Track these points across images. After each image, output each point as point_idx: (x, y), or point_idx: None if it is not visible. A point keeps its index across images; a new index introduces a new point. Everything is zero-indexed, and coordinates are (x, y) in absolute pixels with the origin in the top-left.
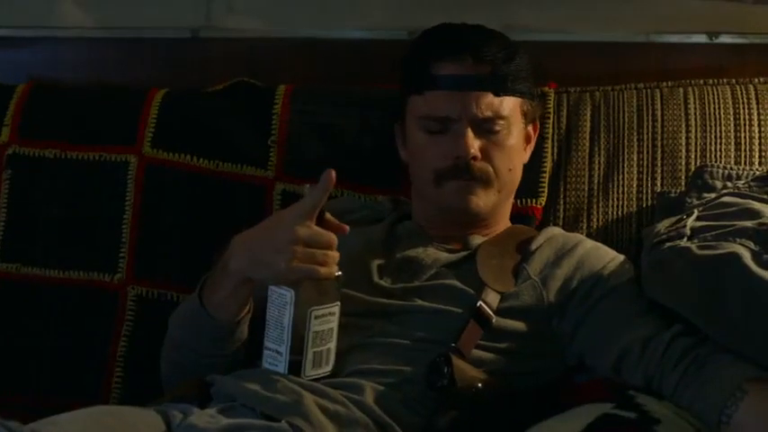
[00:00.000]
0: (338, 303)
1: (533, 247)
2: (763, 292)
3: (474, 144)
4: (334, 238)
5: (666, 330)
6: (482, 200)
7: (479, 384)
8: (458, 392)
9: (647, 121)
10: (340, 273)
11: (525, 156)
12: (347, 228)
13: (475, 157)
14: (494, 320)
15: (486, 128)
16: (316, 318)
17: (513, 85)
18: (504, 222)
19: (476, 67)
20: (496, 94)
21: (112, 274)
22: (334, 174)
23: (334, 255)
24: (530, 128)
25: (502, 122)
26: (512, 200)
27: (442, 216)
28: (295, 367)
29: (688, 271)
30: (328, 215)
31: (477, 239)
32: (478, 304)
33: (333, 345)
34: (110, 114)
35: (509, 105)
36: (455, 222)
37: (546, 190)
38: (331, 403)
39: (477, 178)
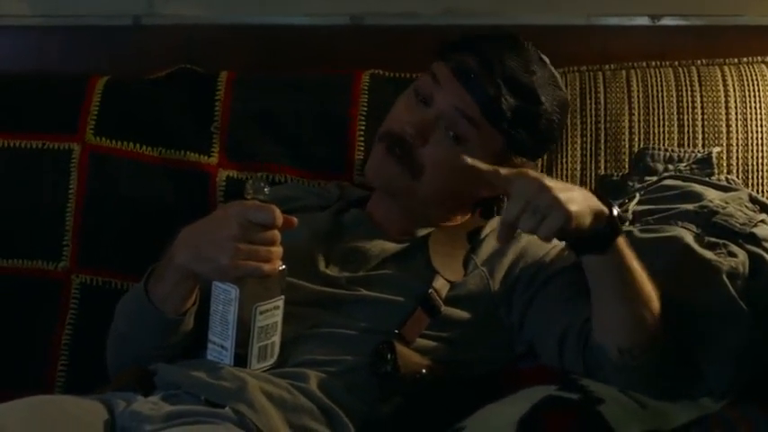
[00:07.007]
0: (282, 297)
1: (481, 236)
2: (709, 269)
3: (425, 127)
4: (276, 233)
5: None
6: (386, 169)
7: (423, 371)
8: (401, 379)
9: (590, 104)
10: (284, 267)
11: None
12: (296, 221)
13: (411, 135)
14: (442, 309)
15: (449, 126)
16: (261, 313)
17: (505, 123)
18: (454, 220)
19: (487, 81)
20: (482, 111)
21: (56, 263)
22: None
23: (278, 250)
24: None
25: (459, 129)
26: (460, 204)
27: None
28: (240, 360)
29: None
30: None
31: (422, 231)
32: (429, 291)
33: (277, 337)
34: (51, 103)
35: (481, 128)
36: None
37: None
38: (276, 389)
39: (397, 153)
